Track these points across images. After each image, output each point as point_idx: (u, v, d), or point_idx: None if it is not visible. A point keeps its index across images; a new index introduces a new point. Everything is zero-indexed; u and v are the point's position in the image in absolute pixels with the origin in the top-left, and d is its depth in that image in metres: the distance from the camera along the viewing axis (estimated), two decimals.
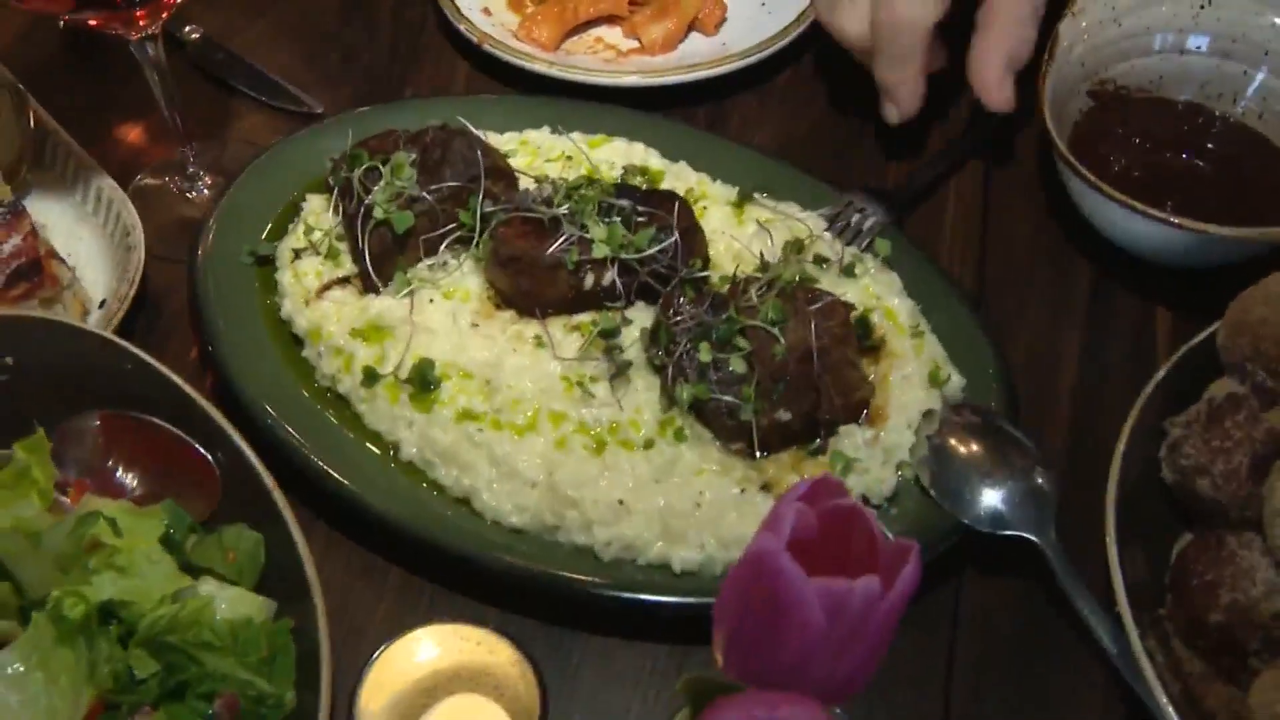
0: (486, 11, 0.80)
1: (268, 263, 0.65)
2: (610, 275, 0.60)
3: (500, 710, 0.48)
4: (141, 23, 0.60)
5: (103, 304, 0.65)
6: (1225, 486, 0.52)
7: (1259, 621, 0.49)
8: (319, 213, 0.66)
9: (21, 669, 0.45)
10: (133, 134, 0.76)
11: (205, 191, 0.71)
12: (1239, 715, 0.48)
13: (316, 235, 0.65)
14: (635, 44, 0.80)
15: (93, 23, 0.61)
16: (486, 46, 0.77)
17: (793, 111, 0.77)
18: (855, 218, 0.67)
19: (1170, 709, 0.46)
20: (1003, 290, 0.68)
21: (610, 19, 0.81)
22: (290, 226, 0.67)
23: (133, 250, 0.65)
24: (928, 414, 0.58)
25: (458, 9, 0.79)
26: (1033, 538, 0.54)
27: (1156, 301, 0.67)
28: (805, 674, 0.31)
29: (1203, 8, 0.71)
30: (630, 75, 0.76)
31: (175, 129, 0.69)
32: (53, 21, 0.82)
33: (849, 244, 0.65)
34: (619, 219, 0.60)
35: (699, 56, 0.78)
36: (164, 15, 0.62)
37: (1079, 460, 0.60)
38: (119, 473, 0.56)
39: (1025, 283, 0.68)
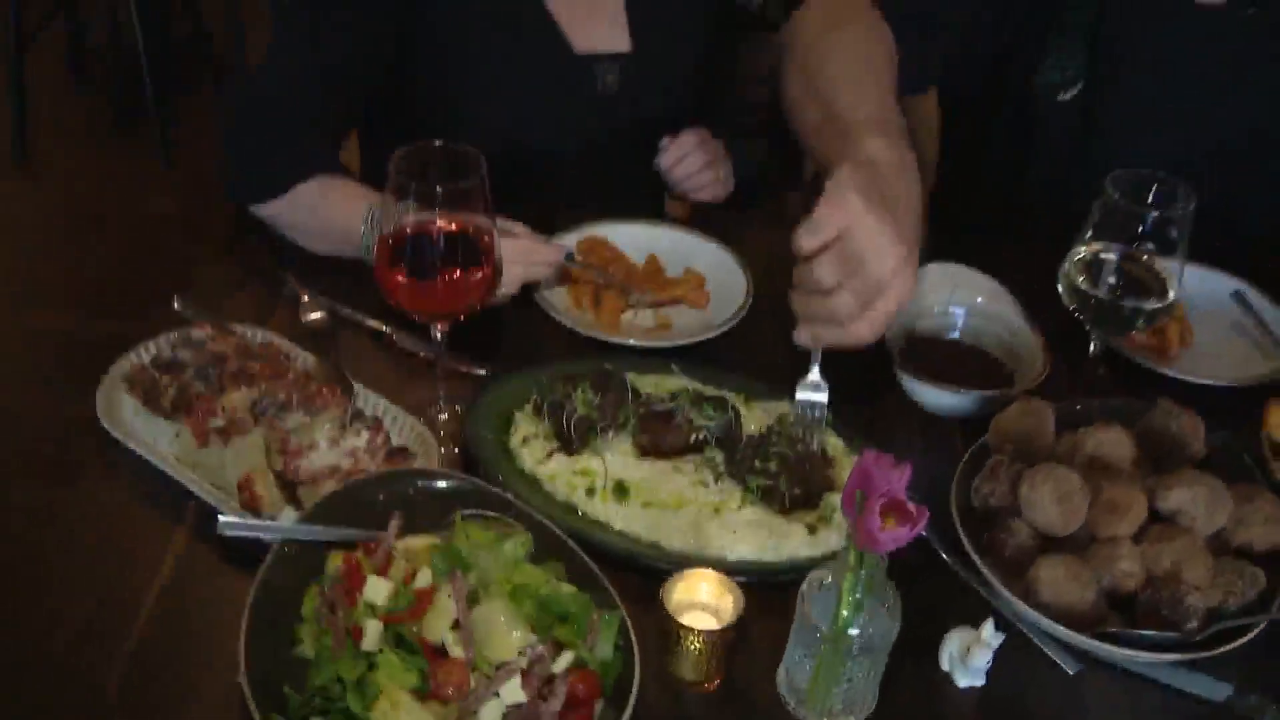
0: (567, 310, 1.48)
1: (500, 438, 1.28)
2: (705, 434, 1.25)
3: (711, 618, 1.08)
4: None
5: None
6: (1002, 498, 1.21)
7: (1027, 551, 1.17)
8: (527, 419, 1.30)
9: (491, 609, 1.02)
10: (385, 379, 1.37)
11: (445, 415, 1.33)
12: (1027, 591, 1.14)
13: (537, 428, 1.28)
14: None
15: (406, 309, 1.24)
16: (580, 330, 1.44)
17: (750, 350, 1.46)
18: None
19: (1002, 588, 1.12)
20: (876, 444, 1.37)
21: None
22: (512, 428, 1.29)
23: (430, 447, 1.25)
24: None
25: (556, 308, 1.46)
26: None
27: (954, 431, 1.37)
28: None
29: (953, 292, 1.47)
30: (660, 341, 1.45)
31: (440, 372, 1.31)
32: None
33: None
34: (703, 407, 1.27)
35: (694, 325, 1.48)
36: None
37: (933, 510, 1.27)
38: None
39: (888, 438, 1.37)
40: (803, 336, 1.24)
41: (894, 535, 0.90)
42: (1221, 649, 1.08)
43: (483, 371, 1.39)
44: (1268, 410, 1.31)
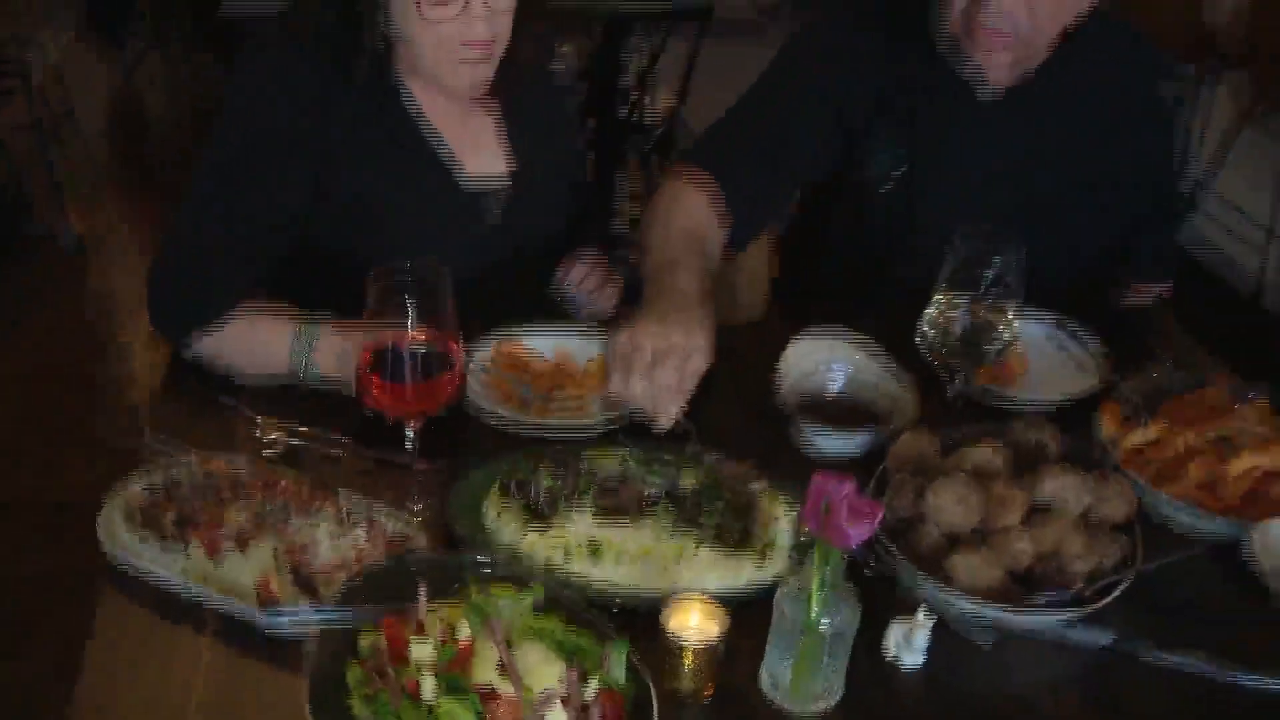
0: (499, 407, 1.69)
1: (475, 519, 1.46)
2: (658, 492, 1.48)
3: (701, 634, 1.29)
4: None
5: None
6: (910, 508, 1.47)
7: (938, 548, 1.43)
8: (496, 501, 1.49)
9: (526, 648, 1.20)
10: (355, 485, 1.53)
11: (420, 506, 1.50)
12: (946, 579, 1.40)
13: (508, 506, 1.47)
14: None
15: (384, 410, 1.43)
16: (512, 416, 1.64)
17: None
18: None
19: (927, 579, 1.38)
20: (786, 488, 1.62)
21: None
22: (484, 511, 1.48)
23: (418, 534, 1.42)
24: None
25: (482, 411, 1.67)
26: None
27: (850, 471, 1.63)
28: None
29: (829, 355, 1.75)
30: (588, 422, 1.67)
31: (416, 476, 1.48)
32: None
33: None
34: (651, 470, 1.49)
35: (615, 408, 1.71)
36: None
37: None
38: None
39: (798, 482, 1.63)
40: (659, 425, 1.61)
41: (859, 530, 1.15)
42: (1103, 602, 1.36)
43: (440, 468, 1.57)
44: (1100, 414, 1.63)
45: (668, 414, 1.59)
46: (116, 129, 5.21)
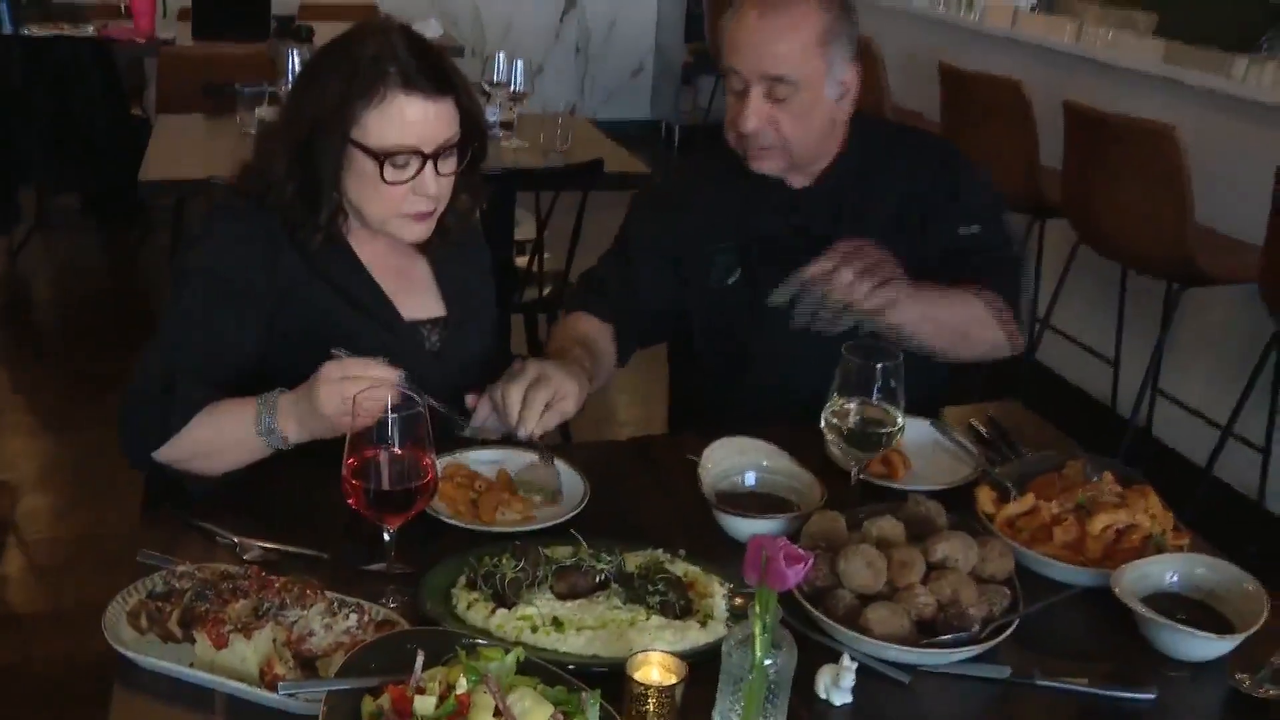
0: (455, 516, 1.91)
1: (447, 607, 1.67)
2: (608, 575, 1.71)
3: (661, 683, 1.51)
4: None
5: None
6: (825, 578, 1.73)
7: (854, 607, 1.68)
8: (463, 591, 1.70)
9: (519, 694, 1.40)
10: (332, 587, 1.72)
11: (396, 603, 1.70)
12: (863, 631, 1.66)
13: (476, 595, 1.68)
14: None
15: (366, 514, 1.64)
16: (467, 524, 1.87)
17: (596, 521, 1.94)
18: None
19: (849, 632, 1.63)
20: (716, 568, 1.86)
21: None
22: (453, 601, 1.69)
23: (400, 621, 1.62)
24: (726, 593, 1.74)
25: (439, 510, 1.89)
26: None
27: None
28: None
29: (741, 457, 2.02)
30: (535, 525, 1.90)
31: (392, 569, 1.69)
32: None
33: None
34: (599, 557, 1.73)
35: (551, 513, 1.95)
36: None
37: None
38: None
39: (723, 561, 1.87)
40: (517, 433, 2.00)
41: (796, 572, 1.40)
42: (997, 640, 1.63)
43: (410, 570, 1.78)
44: (977, 494, 1.94)
45: (526, 426, 1.95)
46: (6, 312, 5.32)
